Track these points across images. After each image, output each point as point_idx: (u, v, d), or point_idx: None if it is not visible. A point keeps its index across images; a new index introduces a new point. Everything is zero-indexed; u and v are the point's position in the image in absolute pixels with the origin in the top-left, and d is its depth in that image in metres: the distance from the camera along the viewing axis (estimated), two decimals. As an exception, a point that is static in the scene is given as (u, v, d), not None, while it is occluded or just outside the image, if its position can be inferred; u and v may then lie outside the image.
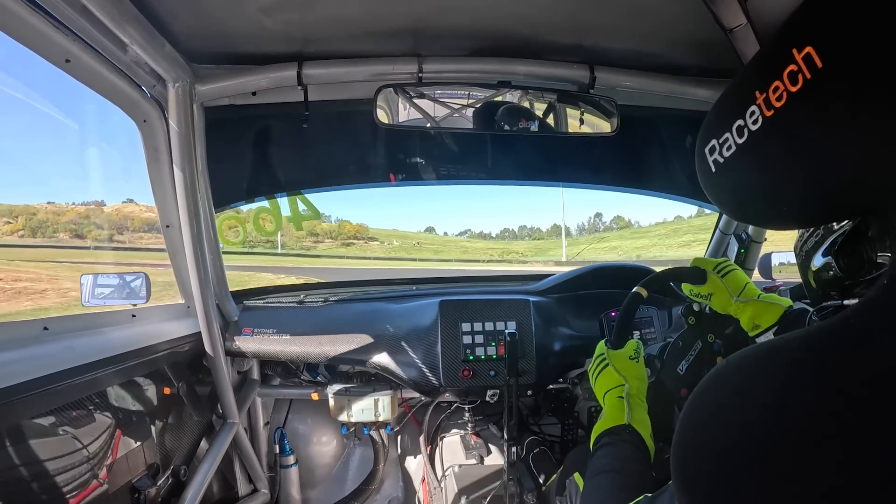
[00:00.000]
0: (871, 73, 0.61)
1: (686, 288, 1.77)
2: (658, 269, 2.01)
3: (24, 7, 1.35)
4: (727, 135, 0.81)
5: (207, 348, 2.24)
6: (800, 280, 1.21)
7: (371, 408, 2.54)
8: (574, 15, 1.76)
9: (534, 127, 2.15)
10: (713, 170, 0.86)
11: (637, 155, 2.86)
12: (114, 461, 1.71)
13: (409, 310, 2.53)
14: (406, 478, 3.09)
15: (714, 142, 0.84)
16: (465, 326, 2.40)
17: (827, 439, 0.57)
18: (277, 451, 2.84)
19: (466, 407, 2.74)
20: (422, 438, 2.90)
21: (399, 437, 3.09)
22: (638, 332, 2.45)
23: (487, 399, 2.42)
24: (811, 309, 1.33)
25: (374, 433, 2.92)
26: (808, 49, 0.66)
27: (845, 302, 0.99)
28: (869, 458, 0.55)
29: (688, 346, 1.79)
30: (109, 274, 2.30)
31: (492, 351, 2.37)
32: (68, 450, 1.53)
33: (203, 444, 2.31)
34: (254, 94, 2.10)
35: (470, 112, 2.15)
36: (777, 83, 0.71)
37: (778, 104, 0.71)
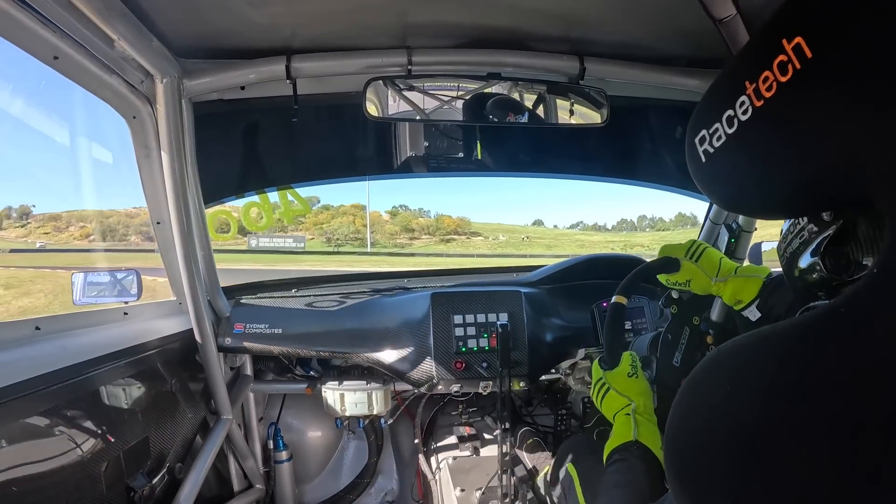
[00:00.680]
0: (861, 63, 0.61)
1: (663, 278, 1.76)
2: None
3: (12, 4, 1.34)
4: (717, 125, 0.81)
5: (199, 345, 2.24)
6: None
7: (364, 401, 2.55)
8: (563, 5, 1.75)
9: (524, 118, 2.15)
10: (703, 160, 0.86)
11: (627, 145, 2.86)
12: (108, 460, 1.70)
13: (401, 303, 2.53)
14: (401, 470, 3.10)
15: (704, 132, 0.84)
16: (458, 319, 2.40)
17: (818, 427, 0.58)
18: (272, 446, 2.83)
19: (460, 399, 2.75)
20: (416, 431, 2.90)
21: (393, 430, 3.09)
22: (629, 323, 2.46)
23: (480, 391, 2.42)
24: None
25: (367, 427, 2.92)
26: (798, 39, 0.66)
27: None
28: (858, 445, 0.55)
29: (677, 337, 1.80)
30: (100, 271, 2.29)
31: (484, 343, 2.37)
32: (62, 450, 1.52)
33: (197, 441, 2.30)
34: (242, 88, 2.09)
35: (460, 104, 2.15)
36: (767, 73, 0.71)
37: (768, 94, 0.72)
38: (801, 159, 0.70)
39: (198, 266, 2.10)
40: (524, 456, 2.58)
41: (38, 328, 1.65)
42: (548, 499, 2.12)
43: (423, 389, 2.45)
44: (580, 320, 2.51)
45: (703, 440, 0.70)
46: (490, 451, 2.71)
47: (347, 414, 2.58)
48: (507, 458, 2.23)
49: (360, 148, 2.79)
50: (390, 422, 2.89)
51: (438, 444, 2.84)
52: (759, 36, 0.76)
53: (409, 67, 1.98)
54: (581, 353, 2.51)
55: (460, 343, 2.36)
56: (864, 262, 0.81)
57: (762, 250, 2.63)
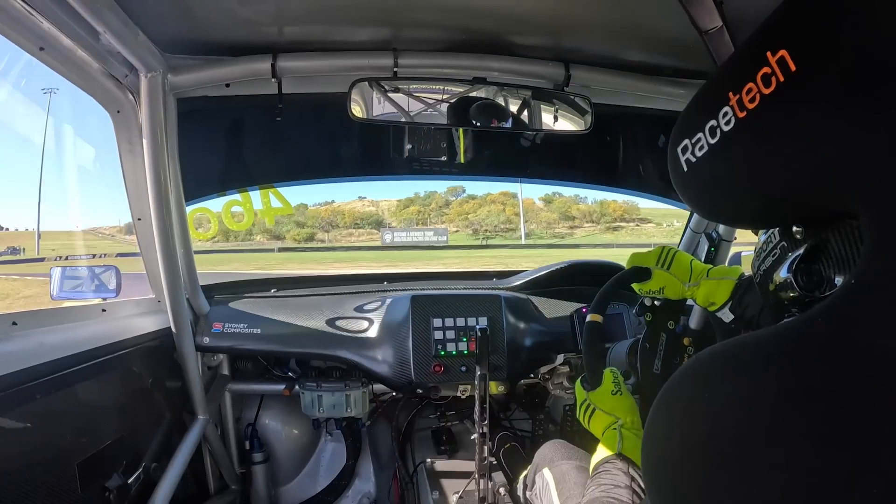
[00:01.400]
0: (845, 77, 0.62)
1: (636, 287, 1.76)
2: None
3: None
4: (700, 135, 0.82)
5: (177, 344, 2.22)
6: None
7: (342, 403, 2.53)
8: (550, 12, 1.77)
9: (508, 123, 2.16)
10: (685, 169, 0.87)
11: (610, 153, 2.89)
12: (83, 459, 1.68)
13: (381, 305, 2.53)
14: (378, 473, 3.09)
15: (686, 141, 0.85)
16: (437, 322, 2.41)
17: (796, 436, 0.59)
18: (248, 447, 2.81)
19: (438, 402, 2.75)
20: (394, 434, 2.90)
21: (371, 433, 3.08)
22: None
23: (459, 394, 2.42)
24: None
25: (345, 429, 2.91)
26: (782, 52, 0.67)
27: None
28: (836, 454, 0.56)
29: (655, 344, 1.80)
30: (78, 266, 2.26)
31: (463, 347, 2.38)
32: (36, 448, 1.49)
33: (174, 440, 2.27)
34: (227, 85, 2.07)
35: (444, 107, 2.15)
36: (750, 85, 0.72)
37: (751, 106, 0.72)
38: (782, 172, 0.71)
39: (177, 263, 2.08)
40: (502, 460, 2.58)
41: (14, 323, 1.62)
42: (524, 503, 2.12)
43: (401, 392, 2.45)
44: (559, 326, 2.52)
45: (681, 448, 0.70)
46: (467, 454, 2.71)
47: (325, 415, 2.57)
48: (485, 462, 2.22)
49: (345, 148, 2.79)
50: (368, 423, 2.87)
51: (416, 448, 2.84)
52: (743, 48, 0.77)
53: (395, 69, 1.98)
54: (560, 358, 2.52)
55: (439, 346, 2.36)
56: (835, 280, 0.82)
57: (742, 259, 2.67)
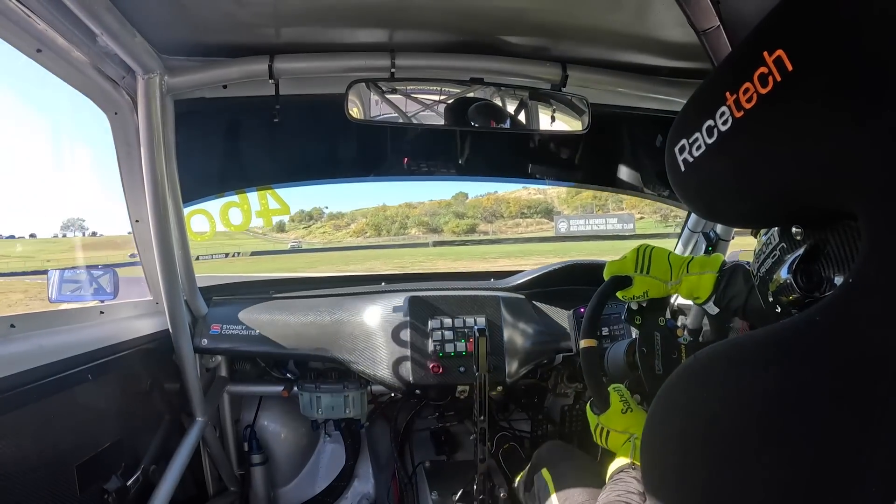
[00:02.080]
0: (841, 77, 0.62)
1: (620, 296, 1.73)
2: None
3: None
4: (697, 134, 0.82)
5: (175, 345, 2.22)
6: None
7: (341, 404, 2.53)
8: (547, 12, 1.77)
9: (506, 124, 2.15)
10: (682, 168, 0.87)
11: (608, 153, 2.88)
12: (82, 462, 1.67)
13: (378, 306, 2.51)
14: (377, 474, 3.08)
15: (684, 141, 0.85)
16: (435, 322, 2.40)
17: (796, 432, 0.59)
18: (247, 448, 2.80)
19: (436, 403, 2.74)
20: (392, 435, 2.89)
21: (370, 434, 3.08)
22: (607, 329, 2.47)
23: (457, 395, 2.42)
24: (742, 263, 1.39)
25: (344, 430, 2.91)
26: (779, 52, 0.67)
27: None
28: (834, 453, 0.56)
29: (651, 345, 1.78)
30: (76, 268, 2.26)
31: (461, 347, 2.37)
32: (35, 450, 1.49)
33: (172, 442, 2.27)
34: (225, 86, 2.07)
35: (442, 108, 2.14)
36: (747, 85, 0.72)
37: (748, 105, 0.72)
38: (779, 171, 0.71)
39: (175, 265, 2.08)
40: (500, 461, 2.58)
41: (12, 326, 1.62)
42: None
43: (399, 393, 2.44)
44: (558, 326, 2.52)
45: (682, 447, 0.70)
46: (466, 455, 2.71)
47: (323, 417, 2.57)
48: (484, 462, 2.22)
49: (343, 150, 2.79)
50: (366, 424, 2.87)
51: (415, 449, 2.83)
52: (740, 48, 0.77)
53: (392, 70, 1.98)
54: (559, 358, 2.52)
55: (437, 347, 2.36)
56: (835, 280, 0.82)
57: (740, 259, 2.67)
